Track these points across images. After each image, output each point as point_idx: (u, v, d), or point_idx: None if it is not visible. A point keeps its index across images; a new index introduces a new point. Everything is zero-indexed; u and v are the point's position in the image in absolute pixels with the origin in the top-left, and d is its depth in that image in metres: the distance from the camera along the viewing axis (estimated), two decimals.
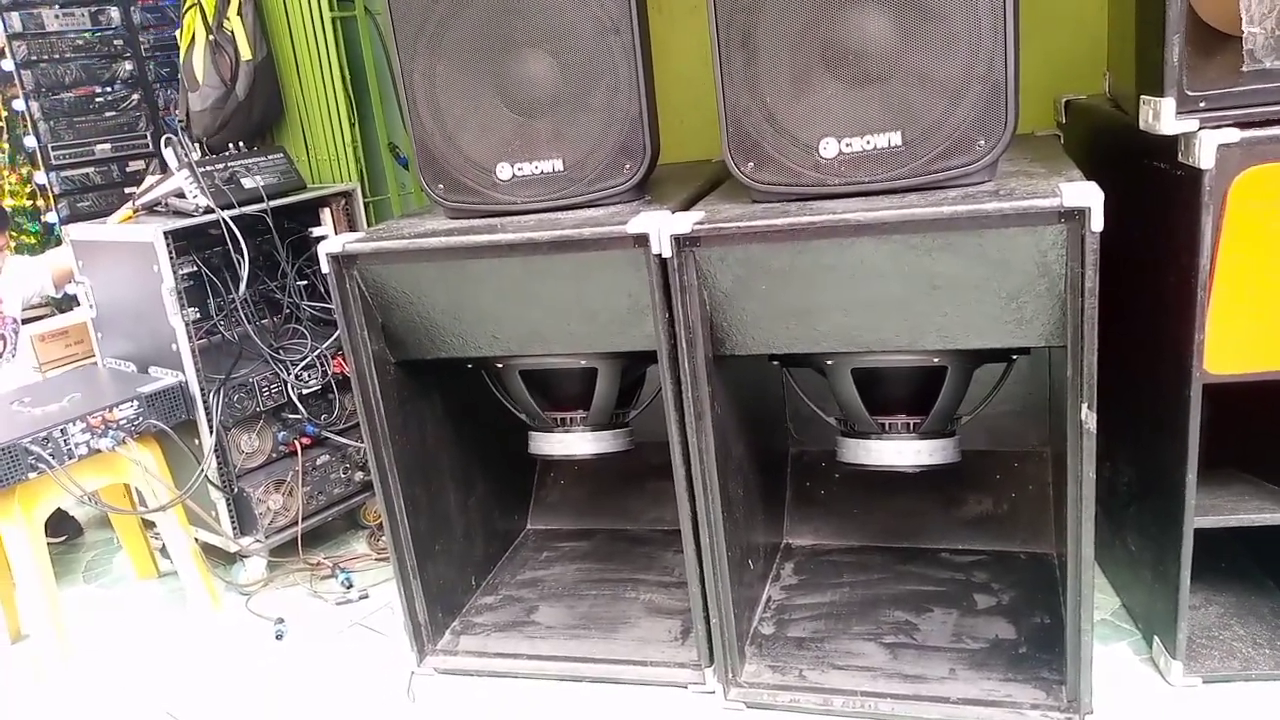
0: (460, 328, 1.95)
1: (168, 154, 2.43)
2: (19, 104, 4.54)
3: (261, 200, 2.43)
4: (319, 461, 2.61)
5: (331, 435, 2.60)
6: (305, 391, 2.54)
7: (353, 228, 2.68)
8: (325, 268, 1.87)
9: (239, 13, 2.68)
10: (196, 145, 2.64)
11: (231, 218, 2.36)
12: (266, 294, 2.60)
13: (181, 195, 2.42)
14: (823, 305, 1.65)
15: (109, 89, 4.63)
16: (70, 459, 2.14)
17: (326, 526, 2.69)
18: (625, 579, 2.29)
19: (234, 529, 2.49)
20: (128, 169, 4.60)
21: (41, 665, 2.22)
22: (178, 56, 2.96)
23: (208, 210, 2.36)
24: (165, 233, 2.28)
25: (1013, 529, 2.21)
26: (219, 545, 2.55)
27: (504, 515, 2.53)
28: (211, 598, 2.45)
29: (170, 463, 2.39)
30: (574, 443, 2.11)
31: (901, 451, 1.86)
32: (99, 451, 2.18)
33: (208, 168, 2.41)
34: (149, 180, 2.59)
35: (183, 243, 2.35)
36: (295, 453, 2.56)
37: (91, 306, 2.59)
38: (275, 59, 2.74)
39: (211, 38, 2.68)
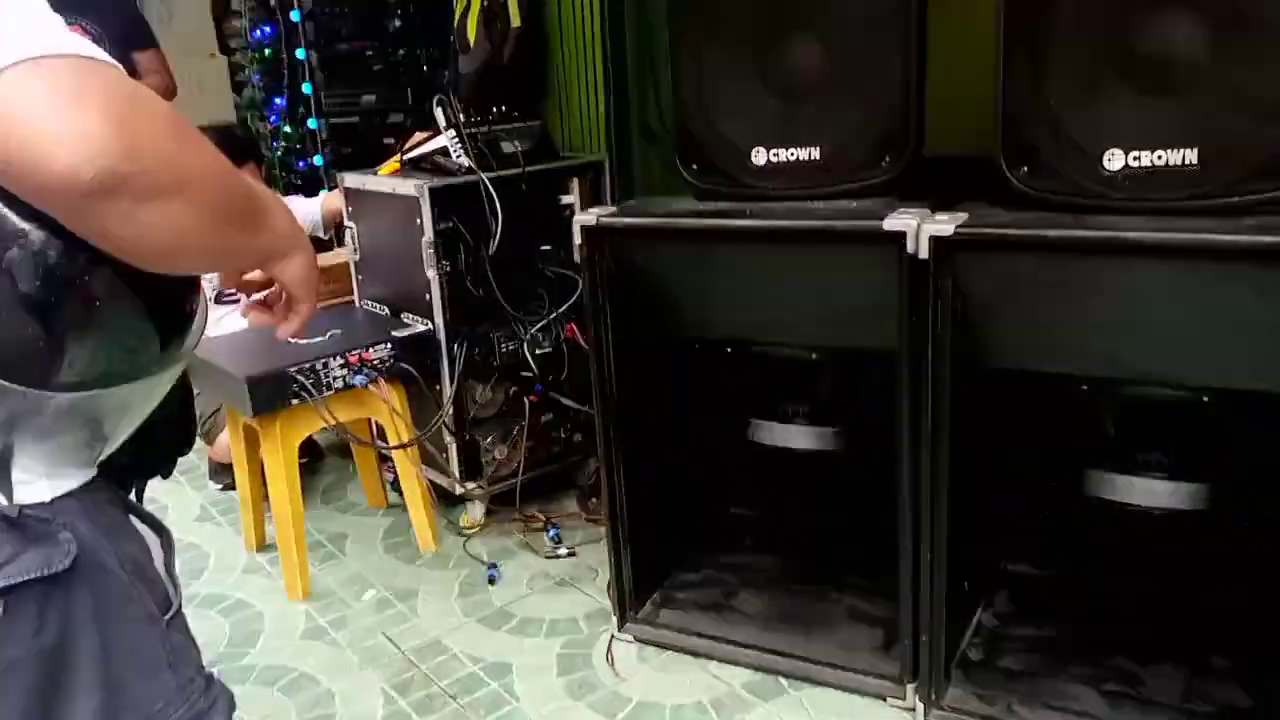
0: (699, 309, 1.96)
1: (437, 113, 2.57)
2: (301, 53, 4.95)
3: (518, 165, 2.53)
4: (543, 420, 2.71)
5: (558, 397, 2.70)
6: (539, 352, 2.65)
7: (598, 199, 2.75)
8: (578, 239, 1.93)
9: None
10: (462, 107, 2.78)
11: (489, 180, 2.47)
12: (513, 255, 2.71)
13: (446, 154, 2.56)
14: (1089, 326, 1.55)
15: (378, 44, 4.97)
16: (328, 391, 2.33)
17: (543, 482, 2.80)
18: (829, 579, 2.25)
19: (461, 473, 2.64)
20: (388, 120, 4.93)
21: (289, 578, 2.44)
22: (447, 18, 3.11)
23: (469, 171, 2.49)
24: (430, 189, 2.42)
25: (1257, 582, 2.00)
26: (444, 486, 2.71)
27: (712, 493, 2.54)
28: (433, 534, 2.62)
29: (412, 403, 2.56)
30: (796, 435, 2.09)
31: (1154, 492, 1.72)
32: (353, 387, 2.36)
33: (470, 130, 2.54)
34: (417, 136, 2.75)
35: (442, 199, 2.48)
36: (523, 409, 2.68)
37: (356, 250, 2.80)
38: (544, 29, 2.84)
39: (485, 3, 2.81)
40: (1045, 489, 2.12)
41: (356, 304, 2.85)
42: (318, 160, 4.92)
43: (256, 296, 1.03)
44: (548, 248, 2.71)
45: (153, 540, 0.98)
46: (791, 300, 1.85)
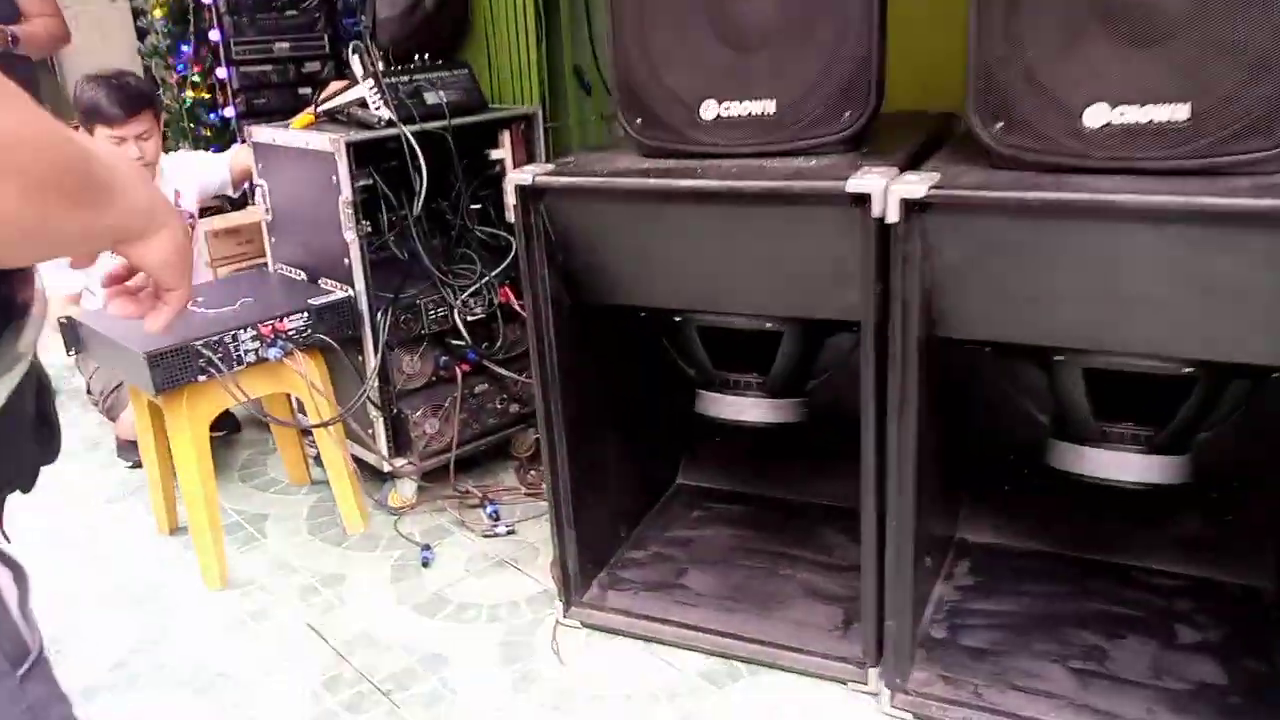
0: (644, 275, 1.82)
1: (354, 61, 2.36)
2: None
3: (443, 117, 2.34)
4: (477, 390, 2.55)
5: (492, 365, 2.54)
6: (470, 318, 2.48)
7: (530, 153, 2.57)
8: (511, 199, 1.76)
9: None
10: (382, 54, 2.56)
11: (412, 133, 2.28)
12: (439, 214, 2.53)
13: (364, 105, 2.35)
14: (1066, 294, 1.45)
15: None
16: (239, 365, 2.14)
17: (478, 455, 2.65)
18: (781, 553, 2.16)
19: (389, 449, 2.47)
20: (304, 69, 4.63)
21: (205, 566, 2.26)
22: None
23: (389, 124, 2.29)
24: (347, 144, 2.22)
25: (1225, 555, 1.97)
26: (372, 464, 2.54)
27: (657, 466, 2.43)
28: (360, 515, 2.46)
29: (333, 374, 2.38)
30: (747, 408, 1.98)
31: (1125, 465, 1.65)
32: (266, 360, 2.17)
33: (391, 79, 2.33)
34: (333, 86, 2.53)
35: (360, 155, 2.28)
36: (455, 379, 2.51)
37: (268, 210, 2.58)
38: None
39: None
40: (1007, 460, 2.06)
41: (270, 268, 2.64)
42: (228, 112, 4.62)
43: (122, 283, 0.86)
44: (478, 206, 2.53)
45: (3, 577, 0.81)
46: (745, 266, 1.72)
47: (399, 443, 2.48)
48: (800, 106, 1.68)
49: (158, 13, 5.26)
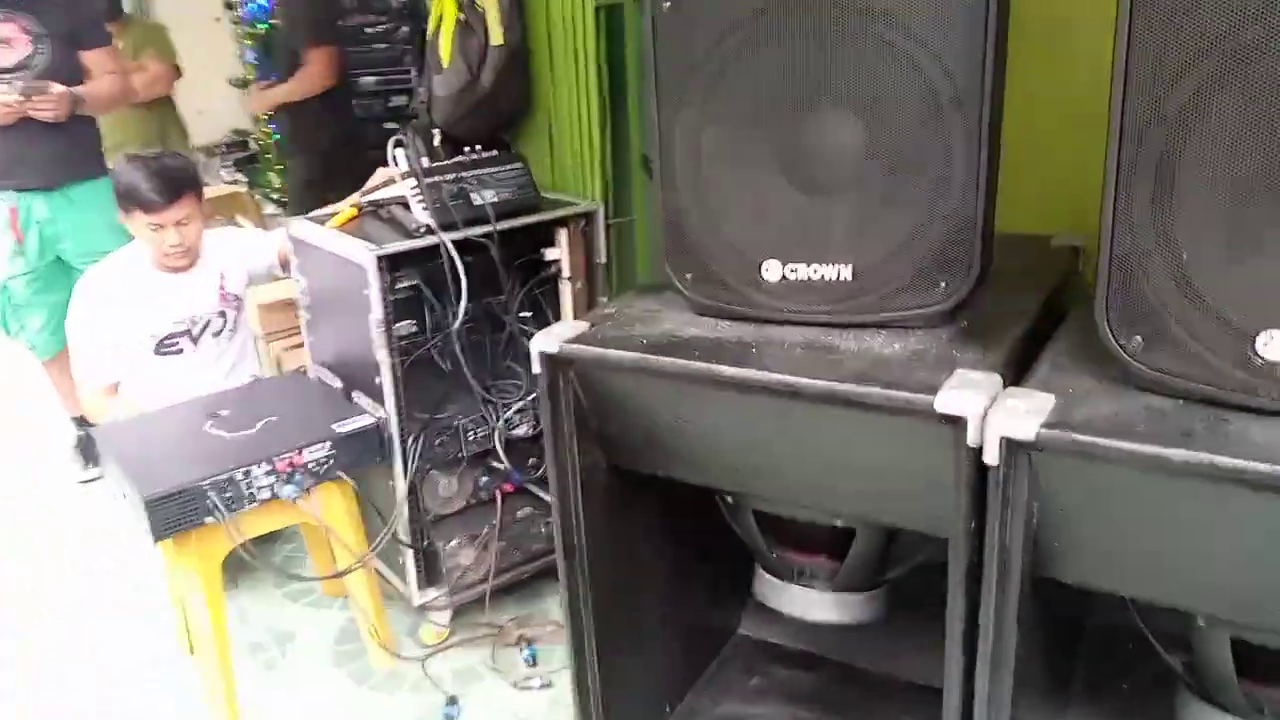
0: (689, 452, 1.53)
1: (398, 155, 2.14)
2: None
3: (489, 221, 2.10)
4: (520, 514, 2.32)
5: (536, 489, 2.29)
6: (513, 436, 2.24)
7: (589, 252, 2.32)
8: (536, 366, 1.50)
9: None
10: (436, 133, 2.34)
11: (453, 241, 2.05)
12: (492, 313, 2.29)
13: (406, 206, 2.14)
14: (1217, 559, 1.11)
15: (381, 19, 4.51)
16: (251, 503, 1.94)
17: (522, 581, 2.40)
18: None
19: (420, 581, 2.25)
20: (390, 104, 4.51)
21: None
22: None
23: (429, 230, 2.06)
24: (379, 257, 2.00)
25: None
26: (403, 592, 2.33)
27: (714, 613, 2.14)
28: (387, 651, 2.24)
29: (361, 499, 2.16)
30: (812, 605, 1.67)
31: None
32: (278, 498, 1.97)
33: (435, 178, 2.10)
34: (380, 174, 2.33)
35: (397, 264, 2.07)
36: (495, 502, 2.28)
37: (306, 309, 2.39)
38: (528, 47, 2.37)
39: (462, 16, 2.35)
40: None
41: (309, 370, 2.44)
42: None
43: None
44: (528, 314, 2.29)
45: None
46: (809, 462, 1.41)
47: (431, 574, 2.26)
48: (883, 272, 1.38)
49: (248, 42, 5.23)
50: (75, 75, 2.98)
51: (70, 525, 2.96)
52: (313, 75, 3.55)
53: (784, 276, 1.43)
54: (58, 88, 2.83)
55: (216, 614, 2.02)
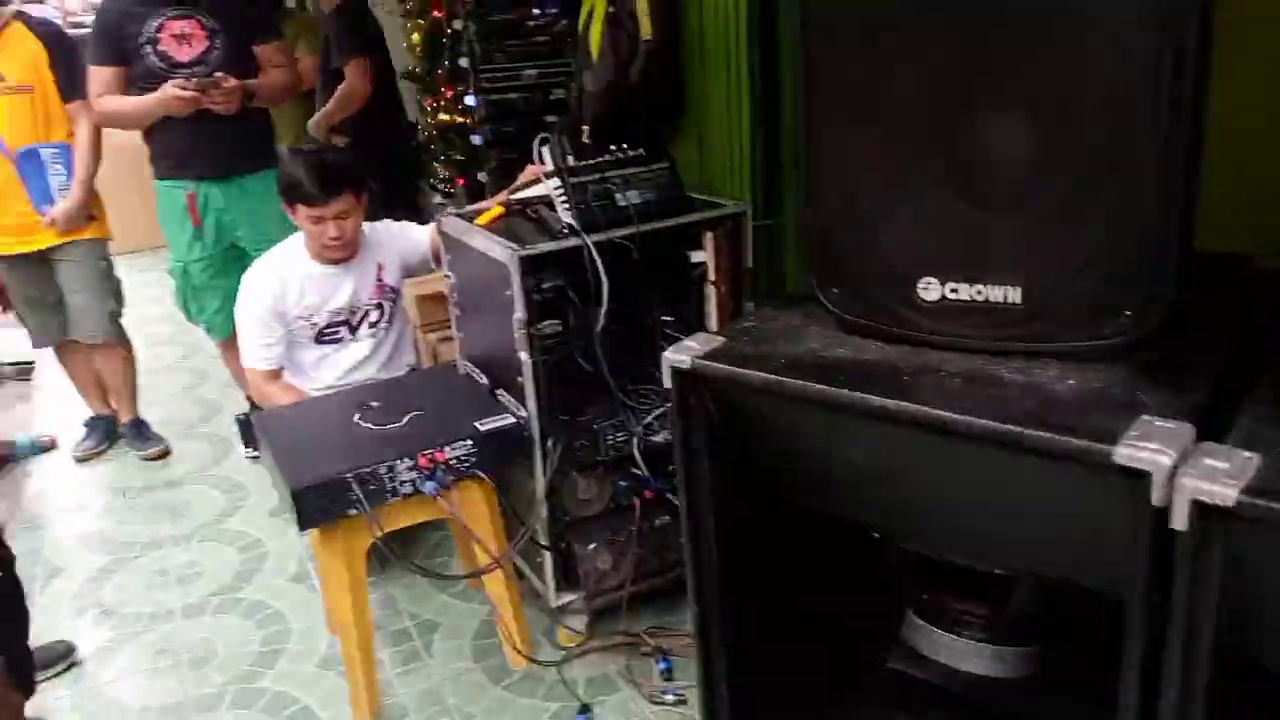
0: (833, 484, 1.43)
1: (545, 153, 2.11)
2: (458, 23, 4.58)
3: (632, 224, 2.04)
4: (658, 522, 2.26)
5: (674, 498, 2.22)
6: (654, 442, 2.19)
7: (737, 255, 2.22)
8: (667, 380, 1.43)
9: None
10: (584, 130, 2.30)
11: (595, 243, 2.00)
12: (638, 316, 2.23)
13: (551, 205, 2.10)
14: None
15: (540, 11, 4.51)
16: (393, 497, 1.97)
17: (661, 591, 2.35)
18: None
19: (557, 583, 2.23)
20: (550, 96, 4.51)
21: (356, 699, 2.13)
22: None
23: (572, 231, 2.02)
24: (521, 258, 1.97)
25: None
26: (542, 593, 2.32)
27: (858, 645, 2.02)
28: (524, 651, 2.23)
29: (500, 498, 2.16)
30: (965, 655, 1.54)
31: None
32: (420, 493, 1.98)
33: (580, 178, 2.06)
34: (527, 172, 2.31)
35: (539, 265, 2.03)
36: (634, 510, 2.23)
37: (456, 304, 2.40)
38: (679, 41, 2.29)
39: (612, 9, 2.29)
40: None
41: (459, 364, 2.46)
42: (475, 140, 4.58)
43: None
44: (670, 318, 2.22)
45: None
46: (964, 504, 1.28)
47: (568, 577, 2.24)
48: (1058, 295, 1.23)
49: (415, 37, 5.36)
50: (248, 69, 3.10)
51: (245, 499, 3.13)
52: (350, 90, 3.60)
53: (943, 296, 1.30)
54: (231, 81, 2.95)
55: (358, 603, 2.06)
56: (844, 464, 1.37)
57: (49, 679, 2.32)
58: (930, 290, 1.31)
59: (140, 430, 3.57)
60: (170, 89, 2.93)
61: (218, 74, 2.95)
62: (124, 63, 3.03)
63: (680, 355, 1.41)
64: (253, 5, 3.19)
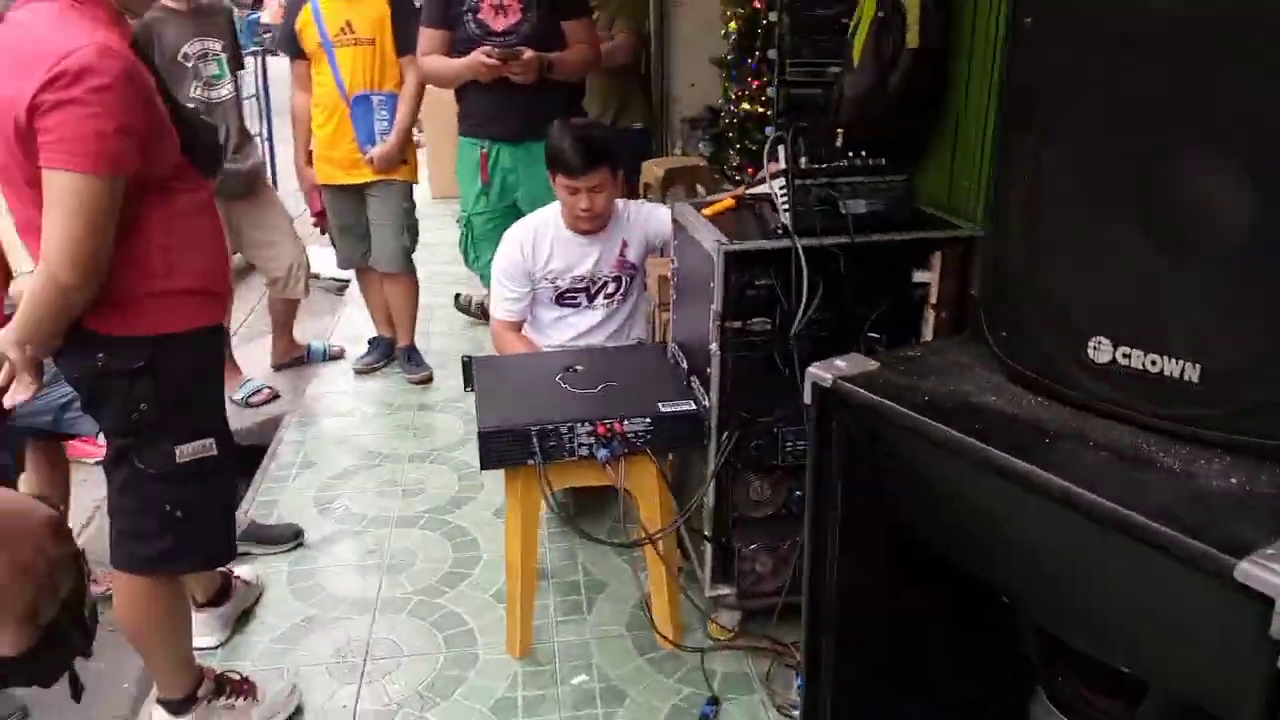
0: (963, 535, 1.34)
1: (778, 153, 2.11)
2: (773, 15, 4.61)
3: (848, 234, 2.00)
4: None
5: None
6: None
7: (963, 282, 2.11)
8: (806, 396, 1.41)
9: None
10: (838, 134, 2.27)
11: (805, 247, 1.98)
12: (842, 323, 2.19)
13: (774, 205, 2.10)
14: None
15: (840, 8, 4.43)
16: (569, 457, 2.08)
17: None
18: None
19: (714, 574, 2.25)
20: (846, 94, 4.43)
21: (510, 632, 2.29)
22: None
23: (784, 232, 2.02)
24: (726, 253, 2.00)
25: None
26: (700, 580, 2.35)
27: (977, 712, 1.88)
28: (672, 630, 2.28)
29: (683, 476, 2.21)
30: None
31: None
32: (594, 458, 2.07)
33: (805, 181, 2.04)
34: (769, 167, 2.31)
35: (747, 262, 2.04)
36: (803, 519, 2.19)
37: (675, 288, 2.47)
38: (946, 52, 2.19)
39: (881, 14, 2.23)
40: None
41: (668, 347, 2.53)
42: (768, 131, 4.62)
43: None
44: (875, 335, 2.14)
45: None
46: (1091, 586, 1.17)
47: (725, 571, 2.25)
48: (1242, 382, 1.09)
49: (732, 24, 5.46)
50: (555, 42, 3.32)
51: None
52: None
53: (1114, 360, 1.19)
54: (529, 53, 3.17)
55: (526, 545, 2.20)
56: (974, 517, 1.30)
57: (278, 554, 2.68)
58: (1101, 351, 1.19)
59: (411, 355, 3.98)
60: (477, 55, 3.21)
61: (518, 47, 3.19)
62: (449, 26, 3.35)
63: (824, 372, 1.39)
64: None
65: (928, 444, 1.26)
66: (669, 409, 2.11)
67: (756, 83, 5.29)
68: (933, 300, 2.14)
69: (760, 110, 5.14)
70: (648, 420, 2.09)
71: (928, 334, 2.17)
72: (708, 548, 2.24)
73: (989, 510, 1.25)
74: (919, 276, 2.13)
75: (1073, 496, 1.06)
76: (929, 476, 1.32)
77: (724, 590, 2.27)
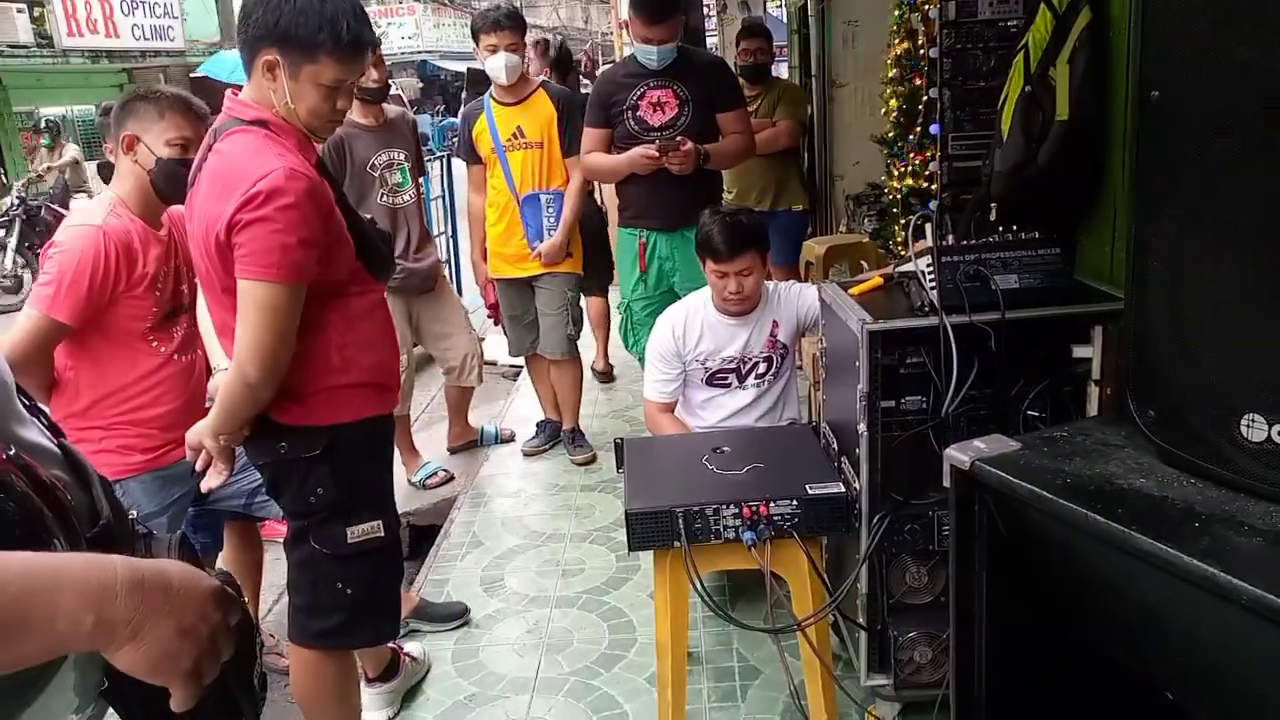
0: (1114, 627, 1.26)
1: (926, 230, 2.10)
2: (934, 92, 4.59)
3: (999, 309, 1.95)
4: None
5: None
6: None
7: (1120, 355, 2.00)
8: (946, 479, 1.37)
9: (1069, 60, 2.12)
10: (991, 208, 2.23)
11: (953, 325, 1.94)
12: (999, 402, 2.11)
13: (921, 281, 2.08)
14: None
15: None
16: (715, 539, 2.07)
17: None
18: None
19: (869, 663, 2.18)
20: (996, 168, 4.33)
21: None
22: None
23: (932, 309, 1.98)
24: (871, 332, 1.98)
25: None
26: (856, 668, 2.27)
27: None
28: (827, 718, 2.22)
29: (835, 561, 2.16)
30: None
31: None
32: (740, 541, 2.07)
33: (954, 257, 2.01)
34: (917, 245, 2.29)
35: (895, 341, 2.02)
36: None
37: (824, 367, 2.46)
38: (1100, 124, 2.12)
39: (1029, 89, 2.19)
40: None
41: (819, 428, 2.51)
42: (931, 205, 4.57)
43: None
44: (1036, 414, 2.06)
45: None
46: (1251, 682, 1.07)
47: (882, 659, 2.17)
48: None
49: (892, 102, 5.46)
50: (710, 133, 3.44)
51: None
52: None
53: (1270, 438, 1.11)
54: (688, 144, 3.29)
55: (676, 628, 2.19)
56: (1125, 607, 1.22)
57: (444, 631, 2.79)
58: (1255, 429, 1.12)
59: (575, 437, 4.10)
60: (638, 150, 3.36)
61: (678, 137, 3.32)
62: (610, 125, 3.53)
63: (962, 454, 1.35)
64: (720, 78, 3.54)
65: (1069, 528, 1.20)
66: (815, 491, 2.08)
67: (919, 157, 5.26)
68: (1095, 376, 2.04)
69: (924, 185, 5.10)
70: (794, 503, 2.07)
71: (1092, 410, 2.06)
72: (862, 636, 2.17)
73: (1140, 600, 1.18)
74: (1079, 352, 2.04)
75: (1221, 584, 0.98)
76: (1074, 563, 1.25)
77: (881, 680, 2.19)
